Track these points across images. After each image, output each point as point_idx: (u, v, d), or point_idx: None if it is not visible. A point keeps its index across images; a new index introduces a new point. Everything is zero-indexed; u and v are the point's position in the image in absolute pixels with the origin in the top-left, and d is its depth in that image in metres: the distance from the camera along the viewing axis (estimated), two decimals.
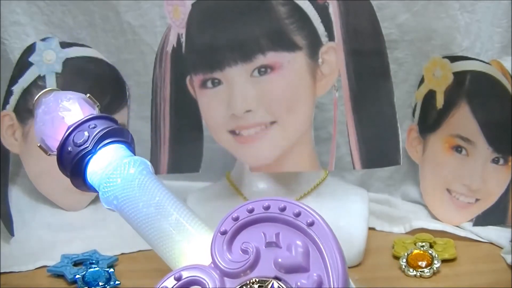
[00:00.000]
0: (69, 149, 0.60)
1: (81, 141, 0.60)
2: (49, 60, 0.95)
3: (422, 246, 0.86)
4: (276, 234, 0.52)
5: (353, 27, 0.81)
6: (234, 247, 0.53)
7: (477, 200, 0.93)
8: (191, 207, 0.87)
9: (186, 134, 0.85)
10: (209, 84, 0.80)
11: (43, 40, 0.95)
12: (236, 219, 0.53)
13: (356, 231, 0.84)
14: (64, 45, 0.96)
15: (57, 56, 0.95)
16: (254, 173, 0.84)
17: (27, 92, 0.95)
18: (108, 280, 0.81)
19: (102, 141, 0.60)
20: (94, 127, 0.61)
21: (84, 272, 0.82)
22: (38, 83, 0.95)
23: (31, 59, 0.95)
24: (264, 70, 0.79)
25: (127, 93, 0.99)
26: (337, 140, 0.87)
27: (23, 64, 0.95)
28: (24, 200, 0.97)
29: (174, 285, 0.53)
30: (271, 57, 0.78)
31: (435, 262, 0.83)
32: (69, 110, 0.63)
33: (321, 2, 0.80)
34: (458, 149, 0.93)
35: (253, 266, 0.52)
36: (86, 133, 0.60)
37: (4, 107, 0.95)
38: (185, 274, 0.53)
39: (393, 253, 0.87)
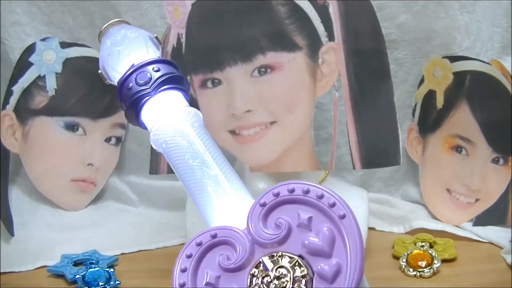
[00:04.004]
0: (130, 85, 0.64)
1: (143, 81, 0.63)
2: (49, 60, 0.95)
3: (422, 246, 0.86)
4: (309, 217, 0.56)
5: (353, 27, 0.81)
6: (269, 220, 0.57)
7: (477, 200, 0.93)
8: (191, 207, 0.89)
9: None
10: (209, 84, 0.80)
11: (43, 40, 0.95)
12: (276, 195, 0.57)
13: None
14: (64, 45, 0.96)
15: (57, 56, 0.95)
16: (254, 173, 0.84)
17: (27, 92, 0.95)
18: (108, 280, 0.81)
19: (162, 86, 0.63)
20: (157, 70, 0.63)
21: (84, 272, 0.82)
22: (38, 83, 0.95)
23: (31, 59, 0.95)
24: (264, 70, 0.79)
25: None
26: (337, 140, 0.87)
27: (23, 64, 0.95)
28: (24, 200, 0.97)
29: (208, 241, 0.57)
30: (271, 57, 0.78)
31: (435, 262, 0.83)
32: (136, 47, 0.65)
33: (321, 2, 0.80)
34: (458, 149, 0.93)
35: (282, 241, 0.56)
36: (148, 75, 0.63)
37: (4, 107, 0.95)
38: (220, 233, 0.57)
39: (393, 253, 0.87)
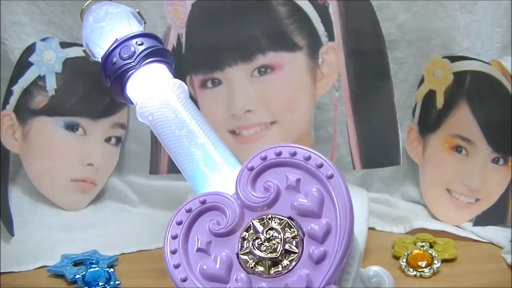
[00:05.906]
0: (114, 60, 0.64)
1: (126, 56, 0.63)
2: (49, 60, 0.95)
3: (422, 246, 0.86)
4: (297, 179, 0.56)
5: (353, 27, 0.81)
6: (258, 183, 0.57)
7: (477, 200, 0.93)
8: None
9: None
10: (209, 84, 0.80)
11: (43, 40, 0.95)
12: (264, 158, 0.57)
13: (356, 231, 0.83)
14: (64, 45, 0.96)
15: (57, 56, 0.95)
16: None
17: (27, 92, 0.95)
18: (108, 280, 0.81)
19: (146, 59, 0.63)
20: (140, 44, 0.64)
21: (84, 272, 0.82)
22: (38, 83, 0.95)
23: (31, 59, 0.95)
24: (264, 70, 0.79)
25: None
26: (337, 140, 0.87)
27: (23, 64, 0.95)
28: (24, 200, 0.97)
29: (198, 207, 0.57)
30: (271, 57, 0.78)
31: (435, 262, 0.83)
32: (118, 22, 0.65)
33: (321, 2, 0.80)
34: (458, 149, 0.93)
35: (271, 204, 0.56)
36: (132, 49, 0.63)
37: (4, 107, 0.95)
38: (209, 199, 0.57)
39: (393, 253, 0.87)
